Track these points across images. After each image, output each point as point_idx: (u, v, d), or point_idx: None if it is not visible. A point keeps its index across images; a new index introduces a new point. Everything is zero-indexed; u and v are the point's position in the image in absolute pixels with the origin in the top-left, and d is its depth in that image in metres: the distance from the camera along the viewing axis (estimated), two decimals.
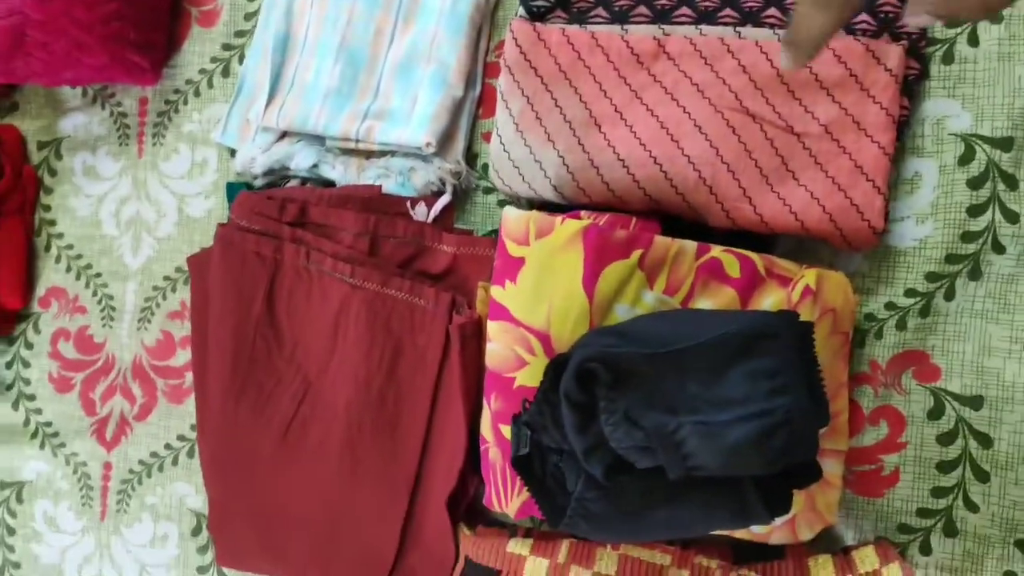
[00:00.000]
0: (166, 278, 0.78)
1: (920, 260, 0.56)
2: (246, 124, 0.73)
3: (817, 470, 0.47)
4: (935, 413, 0.55)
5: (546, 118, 0.61)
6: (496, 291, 0.56)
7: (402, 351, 0.63)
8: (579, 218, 0.54)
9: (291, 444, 0.66)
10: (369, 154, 0.68)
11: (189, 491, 0.76)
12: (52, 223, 0.83)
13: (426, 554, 0.64)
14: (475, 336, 0.60)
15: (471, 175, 0.67)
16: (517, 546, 0.57)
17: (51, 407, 0.82)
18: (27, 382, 0.83)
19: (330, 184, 0.69)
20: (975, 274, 0.55)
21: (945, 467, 0.55)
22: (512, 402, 0.55)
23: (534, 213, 0.55)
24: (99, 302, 0.80)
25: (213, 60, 0.77)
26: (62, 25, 0.71)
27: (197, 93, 0.77)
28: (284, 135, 0.71)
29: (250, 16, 0.75)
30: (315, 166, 0.69)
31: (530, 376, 0.54)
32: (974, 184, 0.55)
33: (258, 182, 0.72)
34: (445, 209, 0.66)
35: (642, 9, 0.61)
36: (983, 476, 0.54)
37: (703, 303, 0.53)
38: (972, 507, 0.54)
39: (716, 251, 0.53)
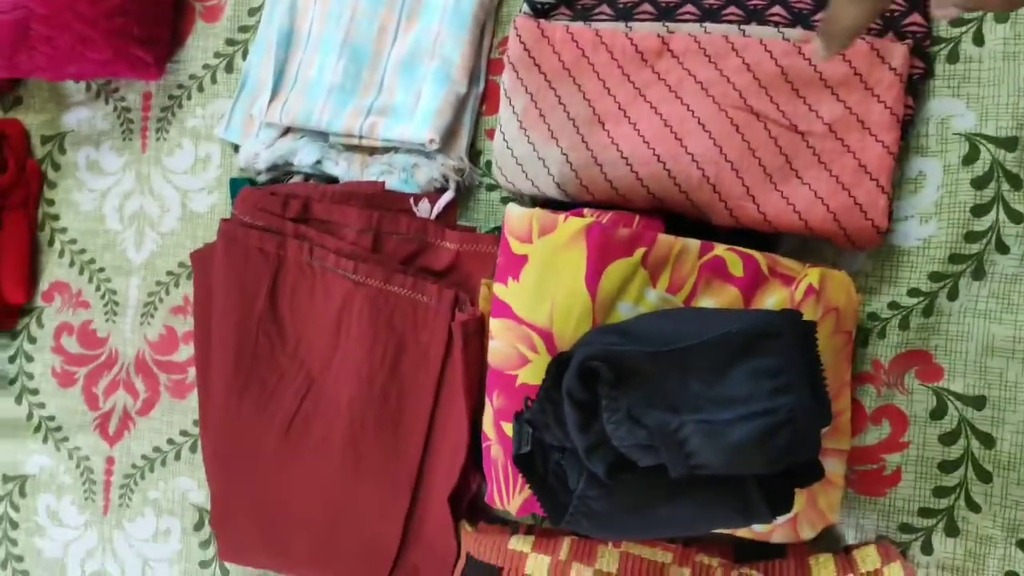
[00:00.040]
0: (169, 273, 0.78)
1: (924, 260, 0.56)
2: (250, 120, 0.73)
3: (819, 469, 0.47)
4: (937, 413, 0.55)
5: (550, 115, 0.61)
6: (499, 288, 0.56)
7: (405, 348, 0.63)
8: (582, 216, 0.54)
9: (294, 440, 0.66)
10: (372, 150, 0.68)
11: (192, 486, 0.76)
12: (56, 217, 0.83)
13: (428, 550, 0.64)
14: (478, 333, 0.60)
15: (474, 172, 0.67)
16: (519, 543, 0.57)
17: (54, 401, 0.82)
18: (30, 376, 0.83)
19: (333, 180, 0.69)
20: (979, 274, 0.54)
21: (947, 467, 0.55)
22: (514, 400, 0.55)
23: (537, 210, 0.55)
24: (102, 297, 0.81)
25: (217, 55, 0.77)
26: (66, 19, 0.71)
27: (201, 88, 0.77)
28: (288, 131, 0.71)
29: (254, 11, 0.75)
30: (318, 162, 0.69)
31: (532, 374, 0.54)
32: (978, 184, 0.54)
33: (261, 178, 0.72)
34: (448, 206, 0.66)
35: (646, 6, 0.61)
36: (985, 476, 0.54)
37: (706, 302, 0.53)
38: (974, 507, 0.54)
39: (719, 250, 0.53)
